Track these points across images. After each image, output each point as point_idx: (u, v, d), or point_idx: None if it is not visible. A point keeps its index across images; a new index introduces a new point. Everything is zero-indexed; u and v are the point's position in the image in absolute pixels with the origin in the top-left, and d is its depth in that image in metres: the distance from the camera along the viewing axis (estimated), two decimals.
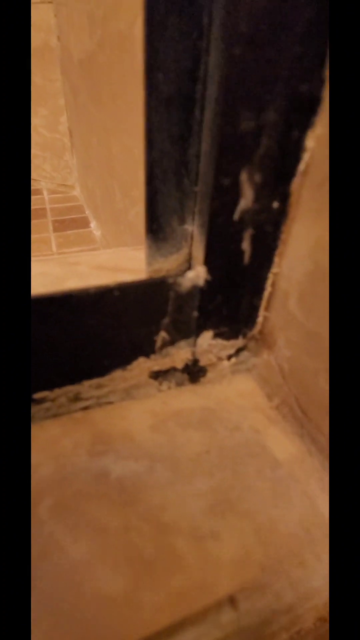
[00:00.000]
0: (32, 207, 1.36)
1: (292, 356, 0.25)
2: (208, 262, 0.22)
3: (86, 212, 1.32)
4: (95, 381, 0.26)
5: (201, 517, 0.20)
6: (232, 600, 0.17)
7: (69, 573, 0.18)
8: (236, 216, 0.21)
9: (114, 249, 0.62)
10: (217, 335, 0.27)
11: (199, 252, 0.23)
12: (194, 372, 0.29)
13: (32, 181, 1.58)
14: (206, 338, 0.27)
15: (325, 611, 0.23)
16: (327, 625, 0.24)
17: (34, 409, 0.25)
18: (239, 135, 0.19)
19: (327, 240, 0.20)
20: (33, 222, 1.24)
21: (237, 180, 0.20)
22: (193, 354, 0.27)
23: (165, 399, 0.28)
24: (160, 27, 0.17)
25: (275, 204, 0.21)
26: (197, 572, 0.18)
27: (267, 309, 0.27)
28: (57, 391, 0.25)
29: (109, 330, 0.24)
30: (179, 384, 0.29)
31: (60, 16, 1.17)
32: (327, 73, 0.18)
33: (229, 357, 0.29)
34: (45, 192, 1.50)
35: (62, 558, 0.18)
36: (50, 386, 0.24)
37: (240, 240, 0.22)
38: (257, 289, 0.25)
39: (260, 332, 0.28)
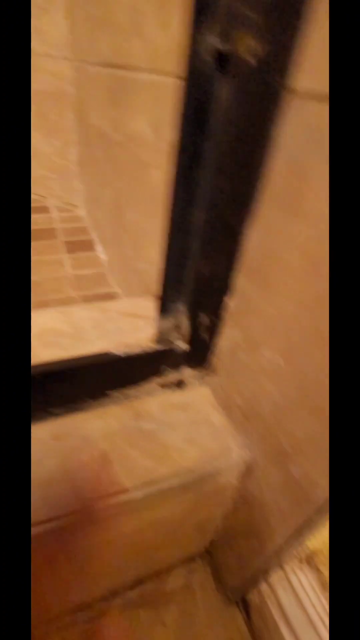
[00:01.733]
0: (43, 227, 1.60)
1: (225, 381, 0.56)
2: (190, 342, 0.53)
3: (91, 235, 1.58)
4: (132, 386, 0.56)
5: (181, 444, 0.51)
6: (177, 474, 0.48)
7: None
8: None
9: (130, 299, 0.91)
10: (192, 368, 0.58)
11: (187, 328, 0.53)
12: (181, 384, 0.59)
13: (41, 197, 1.81)
14: (187, 369, 0.57)
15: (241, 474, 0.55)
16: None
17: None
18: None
19: (234, 341, 0.51)
20: (45, 243, 1.49)
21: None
22: (181, 376, 0.58)
23: (167, 396, 0.59)
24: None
25: (212, 319, 0.52)
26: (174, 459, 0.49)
27: (216, 356, 0.58)
28: (113, 392, 0.55)
29: (140, 366, 0.54)
30: (172, 389, 0.59)
31: (80, 74, 1.36)
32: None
33: (198, 378, 0.60)
34: (53, 211, 1.74)
35: None
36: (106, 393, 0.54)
37: (200, 331, 0.53)
38: (210, 352, 0.56)
39: (213, 367, 0.59)
